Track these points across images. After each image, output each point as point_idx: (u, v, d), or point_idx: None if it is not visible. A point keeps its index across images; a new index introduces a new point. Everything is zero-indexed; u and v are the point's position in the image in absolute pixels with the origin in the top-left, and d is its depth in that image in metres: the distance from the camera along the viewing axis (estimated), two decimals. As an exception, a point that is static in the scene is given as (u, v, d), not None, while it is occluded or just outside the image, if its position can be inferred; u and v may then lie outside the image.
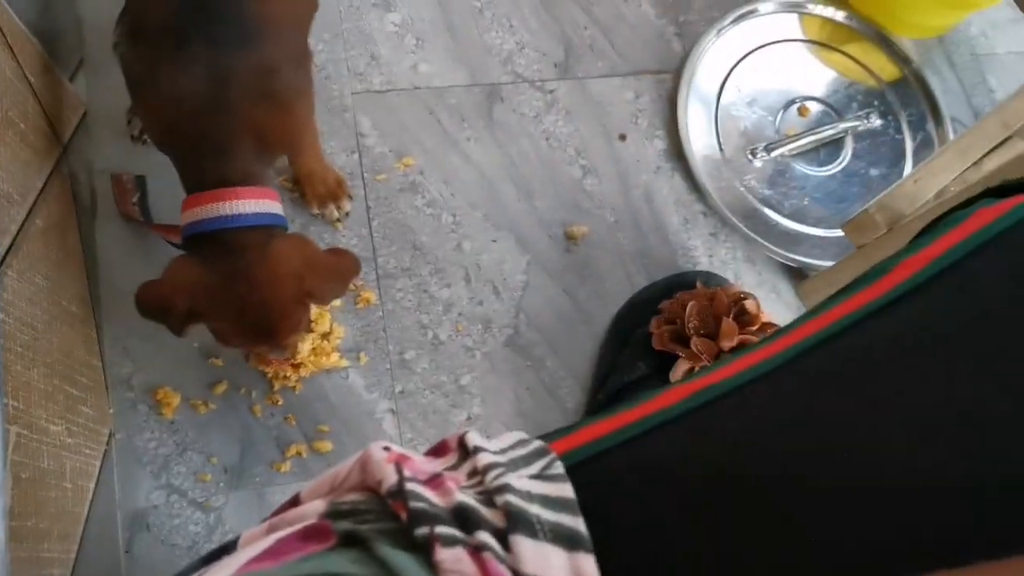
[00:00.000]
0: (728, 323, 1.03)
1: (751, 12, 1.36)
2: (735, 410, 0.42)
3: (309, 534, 0.42)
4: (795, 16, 1.39)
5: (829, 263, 1.20)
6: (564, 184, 1.23)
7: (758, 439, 0.40)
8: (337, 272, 0.90)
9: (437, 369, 1.11)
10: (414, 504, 0.40)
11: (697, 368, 1.02)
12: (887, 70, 1.38)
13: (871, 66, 1.38)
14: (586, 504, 0.40)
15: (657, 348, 1.06)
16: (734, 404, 0.42)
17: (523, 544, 0.38)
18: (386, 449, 0.46)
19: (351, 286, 1.11)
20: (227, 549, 0.47)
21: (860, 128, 1.33)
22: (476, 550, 0.38)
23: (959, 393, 0.37)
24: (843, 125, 1.32)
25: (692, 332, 1.04)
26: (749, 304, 1.05)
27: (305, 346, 1.04)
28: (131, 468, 1.00)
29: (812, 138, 1.31)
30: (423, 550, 0.38)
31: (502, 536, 0.38)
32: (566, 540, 0.38)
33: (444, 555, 0.38)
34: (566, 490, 0.40)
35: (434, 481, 0.43)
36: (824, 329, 0.42)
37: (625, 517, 0.40)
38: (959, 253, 0.42)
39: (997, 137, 1.07)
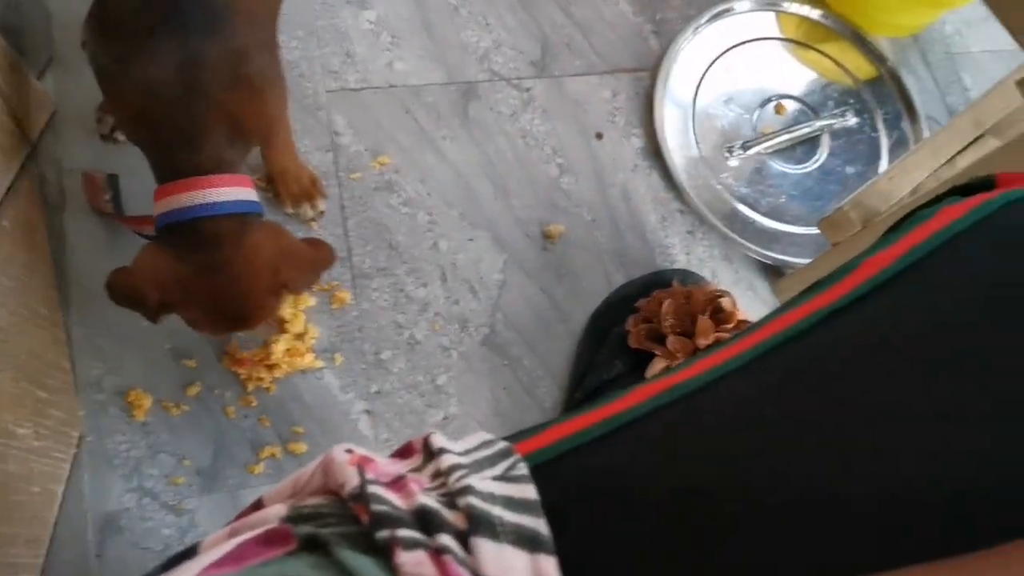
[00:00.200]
0: (704, 321, 1.02)
1: (727, 10, 1.36)
2: (696, 411, 0.42)
3: (270, 538, 0.41)
4: (772, 14, 1.38)
5: (806, 260, 1.20)
6: (541, 183, 1.22)
7: (717, 442, 0.40)
8: (313, 262, 0.90)
9: (413, 369, 1.10)
10: (375, 507, 0.39)
11: (673, 366, 1.02)
12: (863, 68, 1.38)
13: (847, 65, 1.38)
14: (549, 505, 0.40)
15: (633, 346, 1.05)
16: (696, 404, 0.42)
17: (484, 546, 0.37)
18: (349, 451, 0.45)
19: (326, 286, 1.10)
20: (189, 553, 0.46)
21: (836, 126, 1.33)
22: (437, 553, 0.37)
23: (919, 392, 0.37)
24: (819, 123, 1.32)
25: (668, 330, 1.03)
26: (725, 302, 1.05)
27: (279, 347, 1.03)
28: (102, 471, 0.98)
29: (788, 136, 1.30)
30: (384, 553, 0.38)
31: (464, 538, 0.38)
32: (528, 541, 0.38)
33: (405, 558, 0.37)
34: (529, 491, 0.40)
35: (397, 483, 0.42)
36: (789, 328, 0.42)
37: (587, 518, 0.40)
38: (922, 252, 0.42)
39: (970, 135, 1.07)
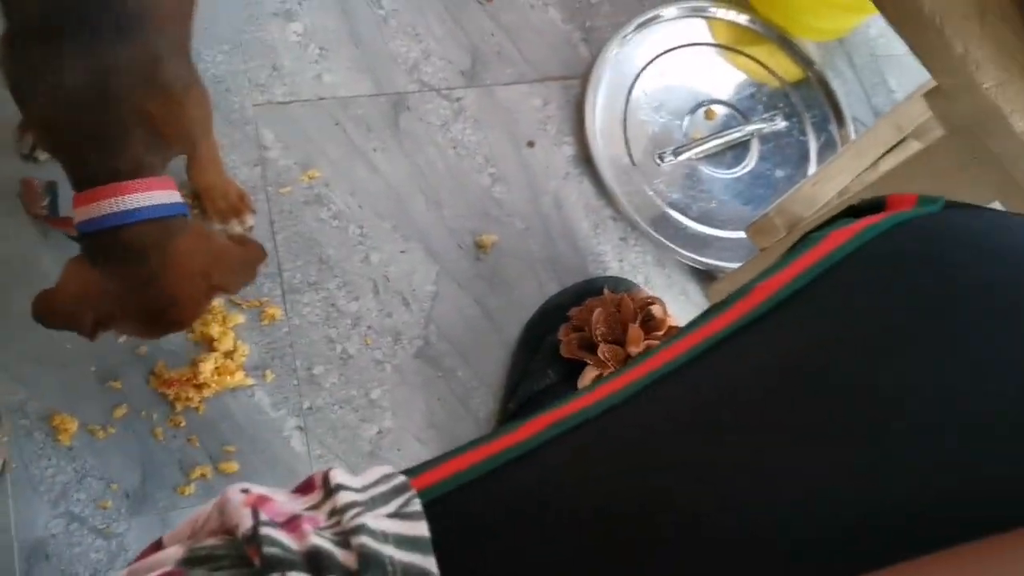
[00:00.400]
0: (634, 330, 1.03)
1: (655, 17, 1.37)
2: (584, 445, 0.42)
3: None
4: (700, 20, 1.40)
5: (737, 264, 1.21)
6: (473, 192, 1.22)
7: (599, 476, 0.41)
8: (244, 262, 0.90)
9: (346, 383, 1.09)
10: (267, 549, 0.39)
11: (605, 374, 1.02)
12: (791, 72, 1.40)
13: (775, 68, 1.40)
14: (442, 541, 0.40)
15: (565, 355, 1.06)
16: (583, 439, 0.42)
17: None
18: (245, 491, 0.45)
19: (255, 302, 1.09)
20: None
21: (765, 130, 1.35)
22: None
23: (791, 422, 0.38)
24: (749, 128, 1.34)
25: (600, 339, 1.04)
26: (655, 309, 1.06)
27: (207, 366, 1.02)
28: (28, 497, 0.97)
29: (719, 141, 1.32)
30: None
31: None
32: None
33: None
34: (420, 528, 0.40)
35: (291, 523, 0.42)
36: (679, 356, 0.43)
37: (479, 554, 0.40)
38: (806, 279, 0.42)
39: (891, 140, 1.09)
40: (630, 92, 1.34)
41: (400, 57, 1.27)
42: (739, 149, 1.34)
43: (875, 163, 1.09)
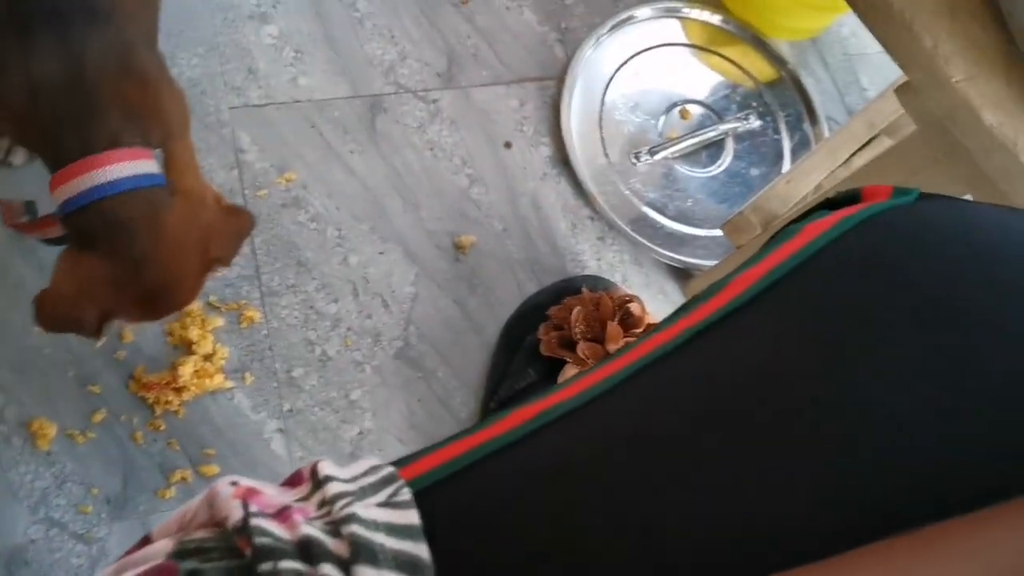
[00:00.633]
0: (613, 327, 1.05)
1: (630, 18, 1.40)
2: (563, 435, 0.44)
3: (154, 574, 0.42)
4: (674, 21, 1.43)
5: (713, 262, 1.24)
6: (451, 194, 1.24)
7: (578, 465, 0.42)
8: (236, 232, 0.89)
9: (326, 385, 1.11)
10: (258, 539, 0.40)
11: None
12: (764, 72, 1.43)
13: (749, 68, 1.43)
14: (432, 529, 0.41)
15: (545, 354, 1.08)
16: (563, 429, 0.44)
17: (365, 574, 0.39)
18: (234, 484, 0.46)
19: (234, 305, 1.10)
20: None
21: (740, 129, 1.38)
22: None
23: (763, 418, 0.39)
24: (723, 127, 1.37)
25: (579, 337, 1.06)
26: (634, 307, 1.08)
27: (187, 369, 1.03)
28: (6, 504, 0.97)
29: (694, 140, 1.35)
30: None
31: (346, 566, 0.39)
32: (408, 567, 0.39)
33: None
34: (411, 516, 0.41)
35: (282, 514, 0.43)
36: (654, 350, 0.44)
37: (467, 542, 0.41)
38: (781, 272, 0.43)
39: (864, 137, 1.12)
40: (606, 92, 1.36)
41: (376, 59, 1.29)
42: (714, 148, 1.36)
43: (848, 160, 1.12)
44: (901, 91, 0.78)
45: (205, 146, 1.16)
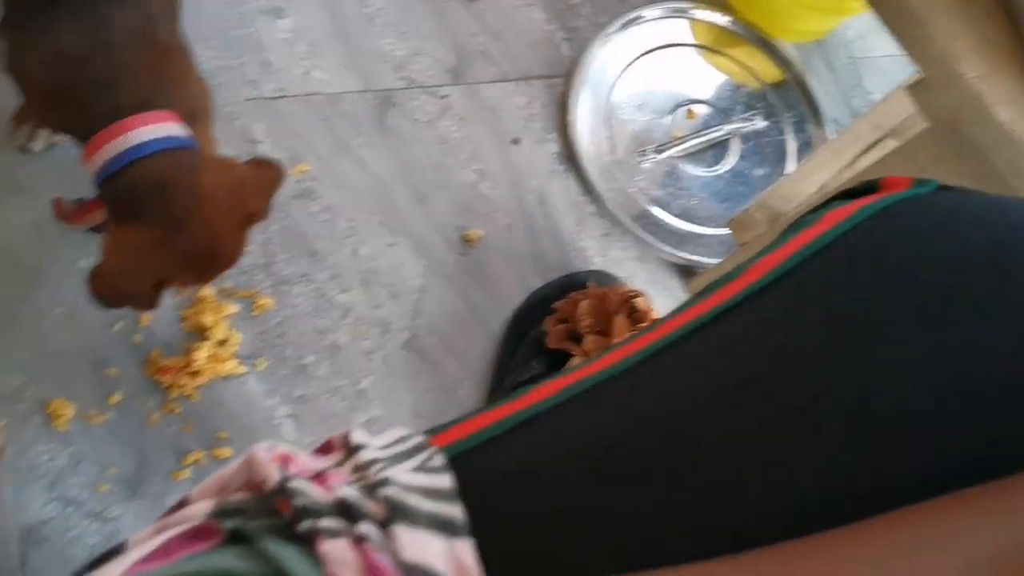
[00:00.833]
0: (620, 320, 1.10)
1: (638, 18, 1.44)
2: (594, 405, 0.46)
3: (196, 534, 0.44)
4: (682, 21, 1.47)
5: (716, 260, 1.28)
6: (459, 189, 1.28)
7: (612, 430, 0.44)
8: (268, 184, 0.92)
9: (336, 373, 1.15)
10: (297, 500, 0.42)
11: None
12: (770, 73, 1.48)
13: (755, 69, 1.47)
14: (465, 493, 0.43)
15: (551, 347, 1.12)
16: (595, 399, 0.46)
17: (402, 533, 0.40)
18: (271, 449, 0.48)
19: (247, 292, 1.14)
20: (116, 551, 0.48)
21: (745, 130, 1.42)
22: (358, 541, 0.40)
23: (780, 400, 0.41)
24: (729, 127, 1.41)
25: (585, 330, 1.11)
26: (639, 302, 1.12)
27: (201, 354, 1.07)
28: (24, 481, 1.02)
29: (699, 140, 1.39)
30: (307, 544, 0.41)
31: (384, 527, 0.41)
32: (444, 527, 0.41)
33: (327, 547, 0.40)
34: (445, 480, 0.43)
35: (318, 478, 0.45)
36: (673, 332, 0.46)
37: (502, 505, 0.43)
38: (801, 257, 0.44)
39: (870, 138, 1.16)
40: (612, 91, 1.41)
41: (387, 55, 1.34)
42: (719, 148, 1.41)
43: (854, 160, 1.16)
44: (914, 89, 0.81)
45: (220, 137, 1.19)
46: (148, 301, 0.84)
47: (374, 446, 0.48)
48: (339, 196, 1.23)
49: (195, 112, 0.90)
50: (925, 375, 0.39)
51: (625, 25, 1.43)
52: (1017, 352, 0.39)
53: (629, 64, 1.43)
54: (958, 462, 0.38)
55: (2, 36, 0.85)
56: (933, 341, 0.39)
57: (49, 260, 1.09)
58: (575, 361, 1.11)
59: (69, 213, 0.96)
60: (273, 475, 0.45)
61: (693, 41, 1.47)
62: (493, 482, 0.44)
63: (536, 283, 1.25)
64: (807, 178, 1.16)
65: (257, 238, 1.18)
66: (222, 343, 1.10)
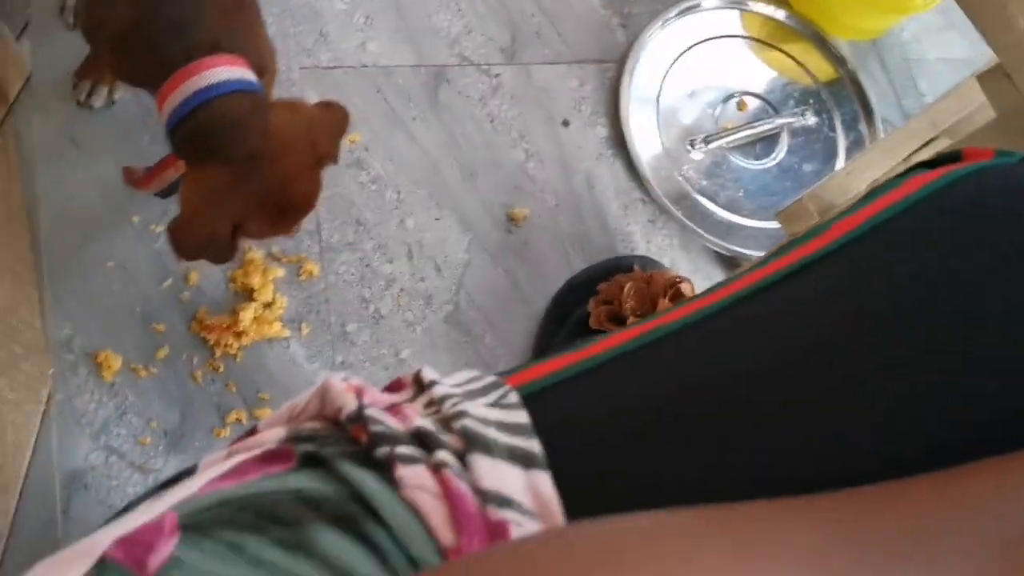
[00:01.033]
0: (664, 304, 1.11)
1: (695, 6, 1.46)
2: (672, 349, 0.46)
3: (270, 457, 0.45)
4: (737, 12, 1.48)
5: (760, 253, 1.29)
6: (507, 167, 1.30)
7: (692, 374, 0.44)
8: (336, 126, 0.94)
9: (378, 342, 1.17)
10: (374, 427, 0.43)
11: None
12: (823, 70, 1.48)
13: (808, 65, 1.48)
14: (540, 430, 0.44)
15: (593, 327, 1.14)
16: (673, 344, 0.46)
17: (480, 462, 0.42)
18: (345, 379, 0.49)
19: (294, 257, 1.17)
20: (188, 472, 0.50)
21: (795, 124, 1.43)
22: (435, 468, 0.42)
23: (873, 343, 0.41)
24: (779, 121, 1.42)
25: (629, 312, 1.12)
26: (684, 287, 1.14)
27: (247, 314, 1.10)
28: (70, 429, 1.05)
29: (749, 132, 1.40)
30: (383, 470, 0.42)
31: (461, 458, 0.42)
32: (521, 459, 0.42)
33: (405, 472, 0.41)
34: (521, 416, 0.44)
35: (392, 408, 0.47)
36: (760, 280, 0.46)
37: (576, 441, 0.44)
38: (890, 213, 0.45)
39: (925, 136, 1.17)
40: (664, 79, 1.42)
41: (443, 31, 1.36)
42: (768, 141, 1.42)
43: (908, 158, 1.17)
44: (986, 77, 0.81)
45: (275, 102, 1.23)
46: (226, 249, 0.86)
47: (447, 383, 0.49)
48: (389, 168, 1.25)
49: (259, 69, 0.92)
50: (1012, 330, 0.39)
51: (682, 12, 1.45)
52: None
53: (682, 53, 1.44)
54: None
55: None
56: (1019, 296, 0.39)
57: (104, 215, 1.12)
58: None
59: (138, 178, 0.98)
60: (350, 403, 0.47)
61: (747, 33, 1.48)
62: (562, 421, 0.45)
63: (579, 265, 1.27)
64: (860, 173, 1.17)
65: (306, 204, 1.20)
66: (268, 306, 1.13)
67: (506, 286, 1.24)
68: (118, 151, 1.14)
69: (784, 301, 0.45)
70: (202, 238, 0.84)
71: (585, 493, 0.42)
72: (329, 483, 0.42)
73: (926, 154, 1.13)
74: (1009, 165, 0.46)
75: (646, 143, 1.37)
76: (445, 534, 0.40)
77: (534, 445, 0.43)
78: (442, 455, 0.42)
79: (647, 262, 1.25)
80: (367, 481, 0.41)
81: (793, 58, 1.48)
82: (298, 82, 1.26)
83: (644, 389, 0.45)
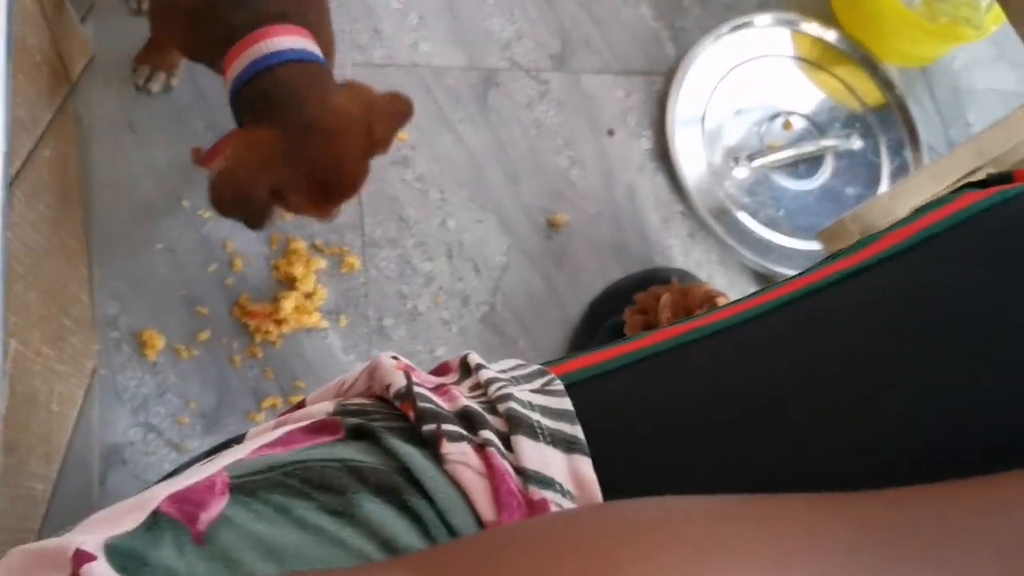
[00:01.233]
0: (698, 316, 1.13)
1: (747, 23, 1.48)
2: (708, 353, 0.48)
3: (317, 428, 0.47)
4: (787, 32, 1.51)
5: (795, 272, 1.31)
6: (550, 173, 1.33)
7: (725, 380, 0.46)
8: (397, 114, 0.96)
9: (413, 338, 1.20)
10: (422, 404, 0.45)
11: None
12: (871, 95, 1.50)
13: (856, 89, 1.50)
14: (582, 417, 0.46)
15: (628, 336, 1.16)
16: (709, 348, 0.48)
17: (524, 444, 0.44)
18: (395, 358, 0.52)
19: (337, 250, 1.20)
20: (237, 439, 0.52)
21: (840, 148, 1.45)
22: (480, 446, 0.44)
23: (909, 351, 0.43)
24: (824, 143, 1.44)
25: (664, 323, 1.15)
26: (720, 301, 1.16)
27: (288, 303, 1.13)
28: (111, 404, 1.08)
29: (793, 152, 1.42)
30: (429, 446, 0.44)
31: (505, 439, 0.44)
32: (564, 443, 0.44)
33: (451, 448, 0.43)
34: (565, 403, 0.46)
35: (440, 389, 0.49)
36: (807, 286, 0.48)
37: (618, 430, 0.46)
38: (939, 228, 0.47)
39: (972, 164, 1.19)
40: (712, 95, 1.44)
41: (494, 34, 1.39)
42: (813, 163, 1.44)
43: (952, 185, 1.18)
44: None
45: (326, 97, 1.27)
46: (260, 214, 0.87)
47: (493, 368, 0.51)
48: (434, 167, 1.29)
49: (327, 49, 0.96)
50: None
51: (735, 29, 1.47)
52: None
53: (731, 70, 1.47)
54: None
55: None
56: None
57: (156, 197, 1.16)
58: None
59: (204, 157, 1.01)
60: (399, 381, 0.49)
61: (797, 54, 1.51)
62: (605, 410, 0.47)
63: (617, 274, 1.30)
64: (904, 197, 1.18)
65: (351, 200, 1.23)
66: (309, 296, 1.16)
67: (543, 291, 1.27)
68: (173, 136, 1.18)
69: (825, 310, 0.47)
70: (240, 194, 0.86)
71: (617, 481, 0.44)
72: (375, 455, 0.44)
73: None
74: None
75: (690, 157, 1.39)
76: (486, 509, 0.42)
77: (577, 431, 0.45)
78: (487, 434, 0.44)
79: (684, 275, 1.28)
80: (413, 455, 0.43)
81: (842, 81, 1.50)
82: (350, 78, 1.29)
83: (677, 389, 0.46)
